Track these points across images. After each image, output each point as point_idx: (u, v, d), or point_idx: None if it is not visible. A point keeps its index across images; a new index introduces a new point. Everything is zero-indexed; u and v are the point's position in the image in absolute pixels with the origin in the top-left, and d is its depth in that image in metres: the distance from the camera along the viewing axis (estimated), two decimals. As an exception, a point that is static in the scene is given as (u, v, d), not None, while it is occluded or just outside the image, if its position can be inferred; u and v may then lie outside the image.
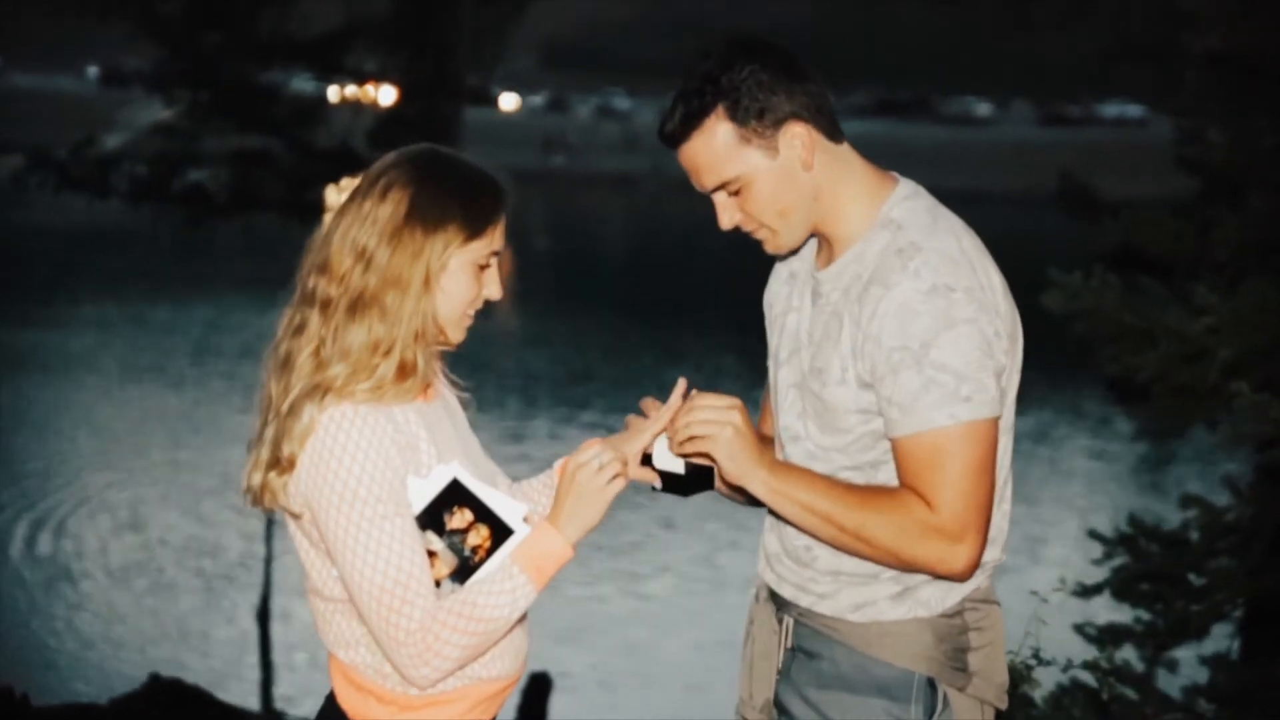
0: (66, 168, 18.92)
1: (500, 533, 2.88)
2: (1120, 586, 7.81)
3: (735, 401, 2.92)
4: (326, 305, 2.85)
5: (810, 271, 3.07)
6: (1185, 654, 7.80)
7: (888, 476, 2.95)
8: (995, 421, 2.88)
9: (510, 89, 69.42)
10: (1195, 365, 7.15)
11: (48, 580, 17.28)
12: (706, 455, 2.93)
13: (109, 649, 15.59)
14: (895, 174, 3.04)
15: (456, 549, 2.87)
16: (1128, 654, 7.55)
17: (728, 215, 2.97)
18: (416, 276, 2.83)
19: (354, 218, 2.85)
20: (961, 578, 2.90)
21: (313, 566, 2.92)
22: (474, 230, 2.86)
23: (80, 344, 28.29)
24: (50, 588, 17.06)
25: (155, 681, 9.83)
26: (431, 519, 2.86)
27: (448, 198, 2.85)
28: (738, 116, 2.88)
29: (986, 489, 2.87)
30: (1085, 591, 7.54)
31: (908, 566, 2.91)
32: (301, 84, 20.61)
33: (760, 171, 2.90)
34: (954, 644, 2.98)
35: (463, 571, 2.87)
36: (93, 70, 63.79)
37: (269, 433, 2.85)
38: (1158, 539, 7.93)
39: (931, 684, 2.96)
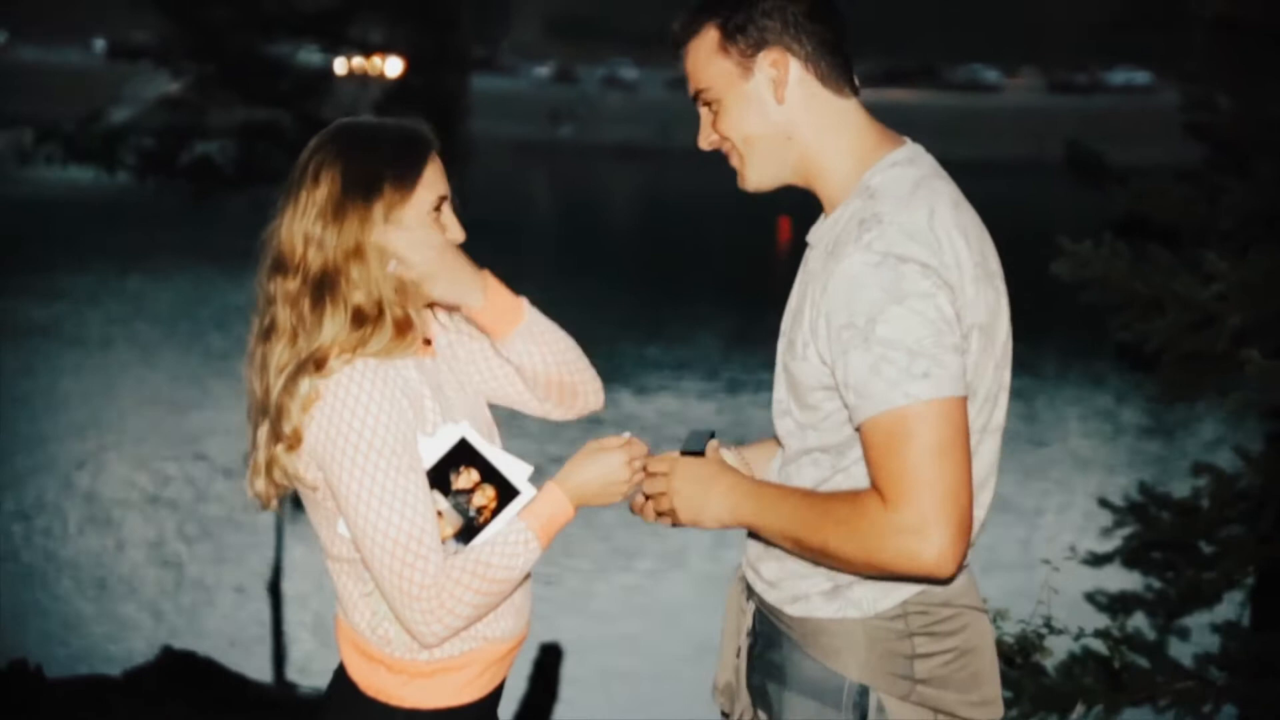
0: (74, 141, 18.92)
1: (506, 493, 2.90)
2: (1131, 555, 7.82)
3: (670, 464, 2.91)
4: (289, 298, 2.88)
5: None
6: (1196, 621, 7.80)
7: (855, 460, 2.78)
8: (962, 402, 2.63)
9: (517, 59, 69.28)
10: (1205, 332, 7.14)
11: (55, 555, 17.30)
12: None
13: (121, 622, 15.63)
14: (905, 139, 2.91)
15: (462, 509, 2.89)
16: (1139, 622, 7.55)
17: (704, 134, 2.94)
18: (371, 242, 2.87)
19: (294, 210, 2.90)
20: (940, 575, 2.61)
21: (320, 526, 2.94)
22: (408, 184, 2.91)
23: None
24: (57, 562, 17.08)
25: (168, 654, 9.88)
26: (438, 478, 2.87)
27: (376, 162, 2.89)
28: (726, 28, 2.86)
29: (952, 474, 2.59)
30: (1096, 560, 7.54)
31: (886, 574, 2.69)
32: (308, 56, 20.59)
33: (730, 88, 2.86)
34: (892, 649, 2.78)
35: (467, 532, 2.89)
36: (99, 43, 63.63)
37: (262, 434, 2.88)
38: (1169, 507, 7.92)
39: (864, 690, 2.78)
